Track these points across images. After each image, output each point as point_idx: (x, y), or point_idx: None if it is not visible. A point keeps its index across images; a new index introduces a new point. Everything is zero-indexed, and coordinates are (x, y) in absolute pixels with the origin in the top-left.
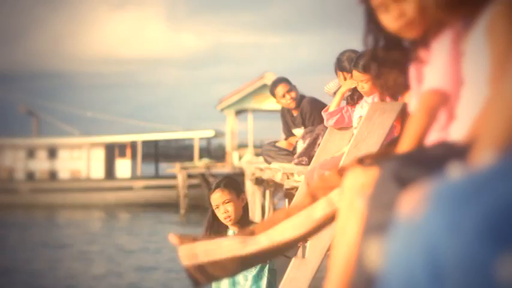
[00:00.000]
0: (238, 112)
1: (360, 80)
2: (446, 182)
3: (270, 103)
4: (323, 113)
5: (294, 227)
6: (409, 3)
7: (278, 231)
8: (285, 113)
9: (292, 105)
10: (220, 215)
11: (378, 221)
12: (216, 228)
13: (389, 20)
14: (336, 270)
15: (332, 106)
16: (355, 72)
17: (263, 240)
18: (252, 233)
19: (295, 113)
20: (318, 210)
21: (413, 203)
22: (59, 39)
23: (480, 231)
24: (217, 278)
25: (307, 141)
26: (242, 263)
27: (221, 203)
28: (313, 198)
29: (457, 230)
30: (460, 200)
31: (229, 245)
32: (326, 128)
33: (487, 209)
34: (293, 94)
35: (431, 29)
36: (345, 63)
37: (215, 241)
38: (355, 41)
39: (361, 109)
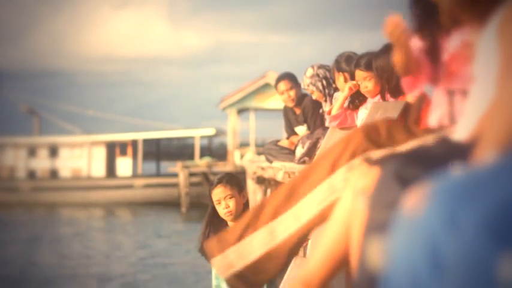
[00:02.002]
0: (240, 111)
1: (363, 78)
2: (447, 178)
3: (272, 102)
4: (326, 116)
5: (318, 202)
6: None
7: (302, 209)
8: (287, 111)
9: (290, 103)
10: (221, 210)
11: (379, 221)
12: (216, 224)
13: None
14: (316, 260)
15: (335, 109)
16: (358, 72)
17: (291, 222)
18: (273, 212)
19: (297, 111)
20: (339, 180)
21: (415, 198)
22: (61, 38)
23: (480, 228)
24: (261, 284)
25: (306, 145)
26: (278, 258)
27: (223, 198)
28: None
29: (457, 225)
30: (460, 196)
31: (259, 240)
32: (325, 131)
33: (487, 207)
34: (292, 93)
35: (446, 27)
36: (343, 64)
37: (245, 241)
38: (357, 40)
39: (366, 110)
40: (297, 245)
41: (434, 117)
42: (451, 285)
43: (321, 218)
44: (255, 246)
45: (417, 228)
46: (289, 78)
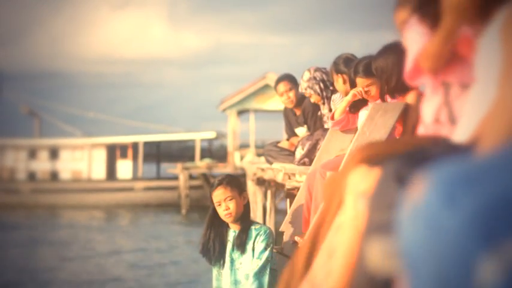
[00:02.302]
0: (240, 112)
1: (365, 86)
2: (449, 164)
3: (272, 103)
4: (325, 119)
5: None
6: None
7: (332, 247)
8: (287, 112)
9: (290, 104)
10: (221, 211)
11: (379, 221)
12: (217, 226)
13: None
14: (337, 271)
15: (337, 113)
16: (358, 79)
17: (325, 261)
18: (303, 263)
19: (297, 112)
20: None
21: (418, 184)
22: (61, 39)
23: (477, 215)
24: None
25: (306, 147)
26: None
27: (223, 200)
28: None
29: (457, 206)
30: (460, 180)
31: None
32: (325, 132)
33: (486, 195)
34: (291, 94)
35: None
36: (341, 66)
37: None
38: (356, 40)
39: (367, 112)
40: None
41: (428, 110)
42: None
43: (355, 250)
44: None
45: (420, 211)
46: (289, 79)
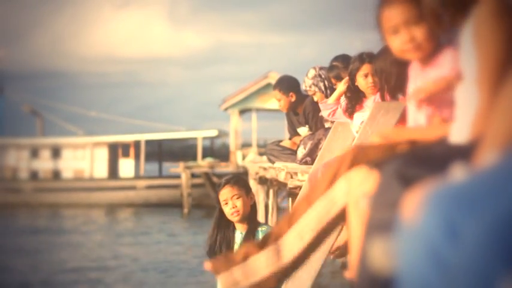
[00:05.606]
0: (242, 111)
1: (370, 74)
2: (446, 184)
3: (274, 102)
4: (320, 104)
5: (319, 218)
6: (419, 29)
7: (304, 225)
8: (289, 112)
9: (283, 110)
10: (228, 210)
11: (381, 220)
12: (224, 227)
13: (398, 43)
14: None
15: (331, 99)
16: (366, 66)
17: (295, 241)
18: (277, 235)
19: (299, 112)
20: (338, 193)
21: (415, 204)
22: (62, 38)
23: (482, 239)
24: None
25: (308, 146)
26: (283, 277)
27: (230, 198)
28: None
29: (458, 235)
30: (459, 204)
31: (266, 261)
32: (326, 132)
33: (489, 216)
34: (282, 103)
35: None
36: (334, 72)
37: (251, 260)
38: (358, 40)
39: (363, 113)
40: (301, 263)
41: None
42: None
43: (325, 234)
44: (261, 265)
45: (418, 237)
46: (279, 87)
